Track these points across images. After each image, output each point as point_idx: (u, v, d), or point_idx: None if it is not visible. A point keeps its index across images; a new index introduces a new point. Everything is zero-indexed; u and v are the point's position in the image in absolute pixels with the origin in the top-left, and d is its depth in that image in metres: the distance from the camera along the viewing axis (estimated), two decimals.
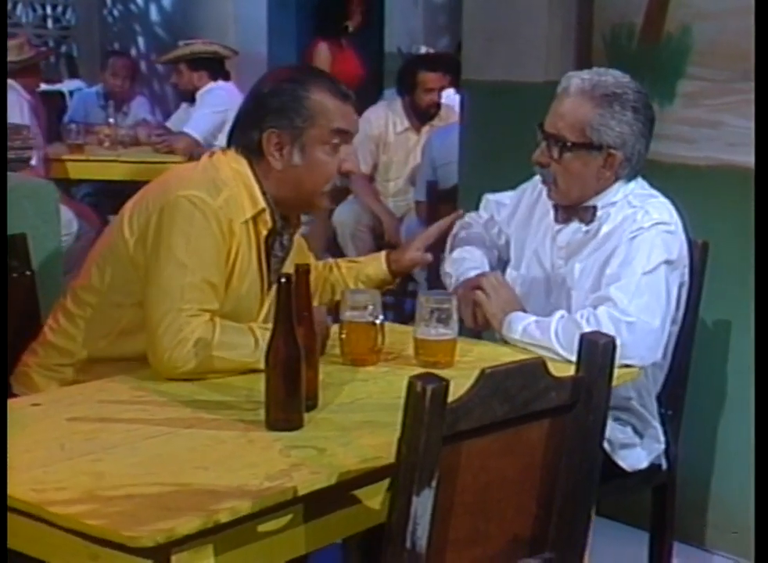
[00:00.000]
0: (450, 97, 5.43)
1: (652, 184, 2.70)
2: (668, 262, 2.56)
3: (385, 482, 1.89)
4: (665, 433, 2.83)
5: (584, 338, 1.96)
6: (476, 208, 3.00)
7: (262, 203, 2.43)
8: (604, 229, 2.64)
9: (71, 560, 1.74)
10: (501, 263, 2.90)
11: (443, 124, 5.31)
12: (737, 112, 3.10)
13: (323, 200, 2.51)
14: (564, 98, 2.63)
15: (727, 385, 3.21)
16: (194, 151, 5.78)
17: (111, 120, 6.34)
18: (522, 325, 2.54)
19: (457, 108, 4.80)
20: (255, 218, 2.42)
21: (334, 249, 5.38)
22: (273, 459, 1.90)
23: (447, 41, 7.71)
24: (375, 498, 1.94)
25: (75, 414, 2.10)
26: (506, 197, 2.94)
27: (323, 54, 7.03)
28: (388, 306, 2.72)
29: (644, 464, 2.79)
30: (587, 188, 2.65)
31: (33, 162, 4.75)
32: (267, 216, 2.44)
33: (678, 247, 2.61)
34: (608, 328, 2.36)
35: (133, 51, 8.60)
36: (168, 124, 6.46)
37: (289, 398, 2.01)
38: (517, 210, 2.87)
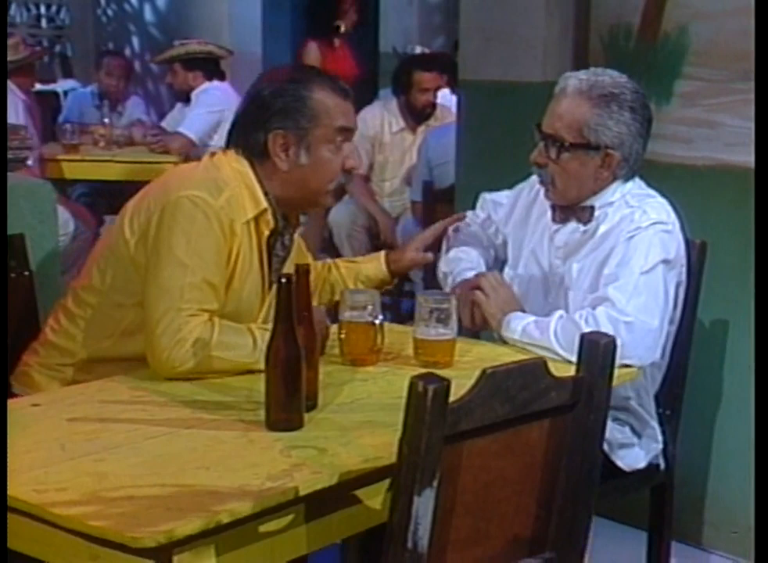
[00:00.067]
0: (446, 97, 5.43)
1: (650, 184, 2.70)
2: (665, 261, 2.56)
3: (386, 482, 1.89)
4: (664, 433, 2.83)
5: (585, 338, 1.96)
6: (473, 208, 3.00)
7: (264, 203, 2.43)
8: (602, 229, 2.64)
9: (72, 560, 1.73)
10: (498, 263, 2.90)
11: (439, 124, 5.31)
12: (735, 112, 3.10)
13: (327, 198, 2.52)
14: (561, 99, 2.63)
15: (725, 384, 3.21)
16: (189, 151, 5.79)
17: (106, 120, 6.32)
18: (521, 325, 2.54)
19: (452, 108, 4.81)
20: (256, 218, 2.42)
21: (329, 248, 5.38)
22: (274, 459, 1.90)
23: (442, 41, 7.72)
24: (375, 498, 1.94)
25: (75, 414, 2.09)
26: (503, 196, 2.94)
27: (312, 54, 7.04)
28: (385, 307, 2.72)
29: (642, 464, 2.79)
30: (585, 188, 2.65)
31: (29, 162, 4.74)
32: (269, 216, 2.44)
33: (675, 247, 2.61)
34: (606, 329, 2.36)
35: (127, 51, 8.60)
36: (163, 124, 6.44)
37: (289, 398, 2.01)
38: (514, 210, 2.87)
